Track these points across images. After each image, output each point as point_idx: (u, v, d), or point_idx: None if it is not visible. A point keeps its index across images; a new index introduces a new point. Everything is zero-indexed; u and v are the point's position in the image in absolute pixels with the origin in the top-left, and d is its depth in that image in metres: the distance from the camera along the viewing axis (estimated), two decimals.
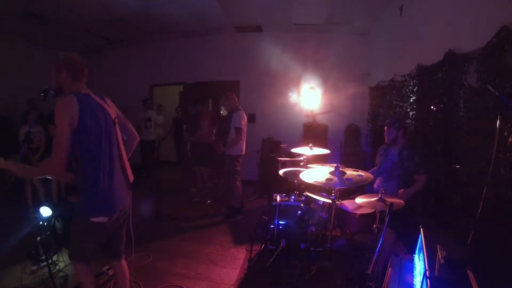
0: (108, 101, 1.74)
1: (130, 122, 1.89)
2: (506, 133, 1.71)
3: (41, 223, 2.53)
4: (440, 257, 1.22)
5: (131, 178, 1.78)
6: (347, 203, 2.59)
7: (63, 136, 1.41)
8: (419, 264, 1.54)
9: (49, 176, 1.70)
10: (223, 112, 6.18)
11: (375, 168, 2.90)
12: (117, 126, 1.71)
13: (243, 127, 3.75)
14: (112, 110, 1.71)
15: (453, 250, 1.27)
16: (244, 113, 3.83)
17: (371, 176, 2.27)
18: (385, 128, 2.69)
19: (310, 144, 3.20)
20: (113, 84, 6.90)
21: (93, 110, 1.55)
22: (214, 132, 4.62)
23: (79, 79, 1.60)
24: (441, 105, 2.62)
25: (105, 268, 2.38)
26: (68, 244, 1.64)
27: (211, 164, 4.79)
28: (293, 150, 3.31)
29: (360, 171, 2.36)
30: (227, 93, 3.94)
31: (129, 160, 1.79)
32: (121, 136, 1.78)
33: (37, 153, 4.06)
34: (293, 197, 2.99)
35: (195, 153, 4.77)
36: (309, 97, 5.71)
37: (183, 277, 2.51)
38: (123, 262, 1.85)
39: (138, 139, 1.93)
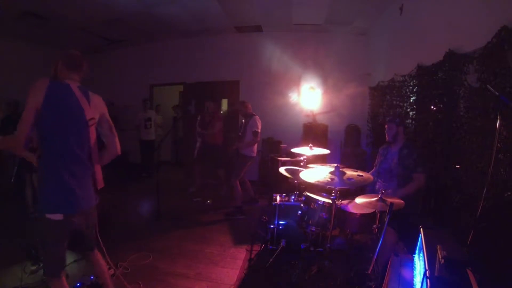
0: (96, 100, 1.67)
1: (117, 132, 1.82)
2: (506, 133, 1.71)
3: None
4: (440, 257, 1.22)
5: (100, 185, 1.76)
6: (347, 203, 2.59)
7: (26, 115, 1.46)
8: (419, 264, 1.54)
9: (9, 150, 1.69)
10: (223, 112, 6.21)
11: (374, 169, 2.90)
12: (92, 128, 1.64)
13: (260, 131, 4.05)
14: (92, 111, 1.63)
15: (453, 250, 1.26)
16: (259, 118, 4.09)
17: (371, 176, 2.28)
18: (386, 125, 2.70)
19: (310, 144, 3.19)
20: (113, 84, 6.92)
21: (61, 101, 1.53)
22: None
23: (72, 70, 1.63)
24: (441, 105, 2.62)
25: None
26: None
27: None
28: (293, 150, 3.31)
29: (360, 171, 2.36)
30: (242, 101, 4.32)
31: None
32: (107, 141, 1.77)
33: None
34: (293, 197, 2.99)
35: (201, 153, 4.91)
36: (309, 97, 5.70)
37: (183, 277, 2.51)
38: (96, 252, 1.85)
39: (119, 154, 1.83)
